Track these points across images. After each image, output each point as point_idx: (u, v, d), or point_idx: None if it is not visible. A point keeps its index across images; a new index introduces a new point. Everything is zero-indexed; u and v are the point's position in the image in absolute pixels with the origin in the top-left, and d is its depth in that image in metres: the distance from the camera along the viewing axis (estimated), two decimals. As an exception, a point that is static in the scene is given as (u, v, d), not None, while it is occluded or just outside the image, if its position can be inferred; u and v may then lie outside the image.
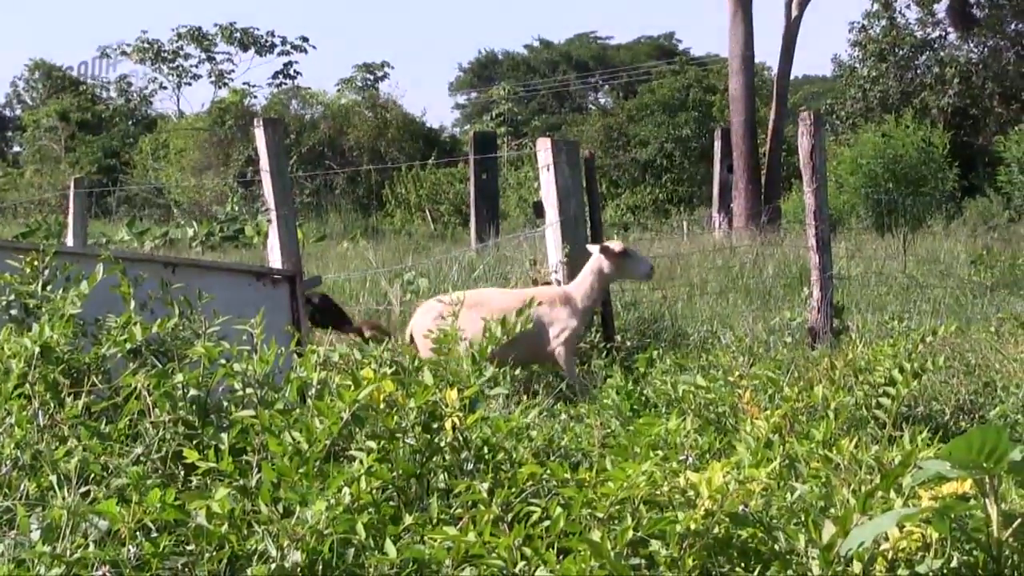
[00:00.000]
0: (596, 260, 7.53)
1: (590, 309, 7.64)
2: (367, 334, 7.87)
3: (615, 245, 7.60)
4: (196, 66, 48.80)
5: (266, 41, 47.54)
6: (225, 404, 3.58)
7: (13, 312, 4.17)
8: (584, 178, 8.80)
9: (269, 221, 8.54)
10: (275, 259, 8.35)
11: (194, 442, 3.39)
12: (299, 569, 2.85)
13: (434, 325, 6.96)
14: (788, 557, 2.88)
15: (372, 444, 3.26)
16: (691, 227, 23.74)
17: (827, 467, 3.29)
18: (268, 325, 3.80)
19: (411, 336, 7.28)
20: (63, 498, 3.01)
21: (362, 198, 34.54)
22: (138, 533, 2.91)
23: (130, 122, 47.16)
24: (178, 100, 50.73)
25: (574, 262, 8.19)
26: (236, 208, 26.58)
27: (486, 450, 3.42)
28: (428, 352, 7.23)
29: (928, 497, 2.87)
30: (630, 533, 2.83)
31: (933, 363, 4.92)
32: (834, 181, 22.17)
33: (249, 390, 3.57)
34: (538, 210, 8.89)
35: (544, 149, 8.52)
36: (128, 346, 3.78)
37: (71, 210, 14.22)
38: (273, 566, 2.83)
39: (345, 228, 26.44)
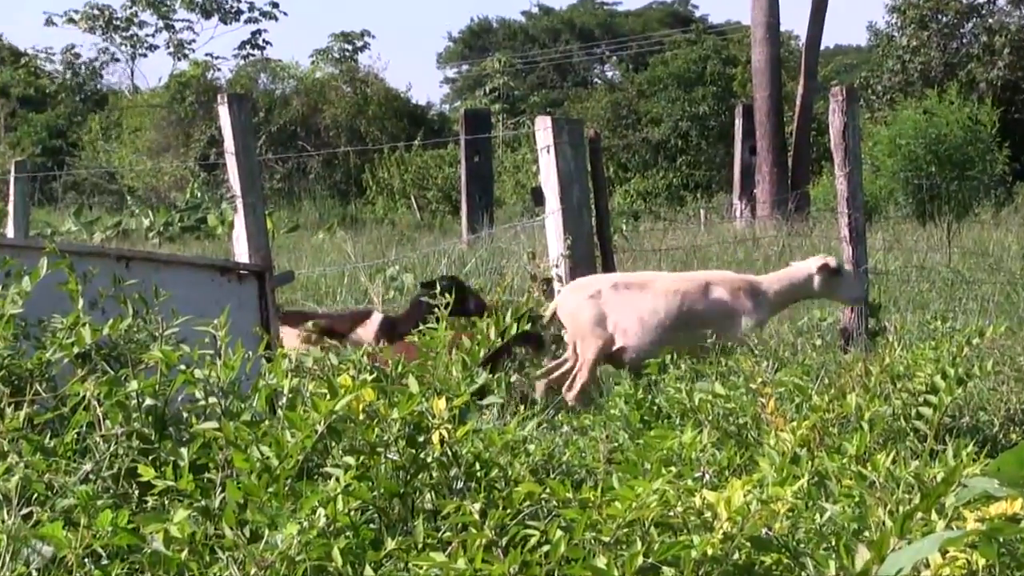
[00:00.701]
0: (806, 268, 7.65)
1: (775, 310, 7.78)
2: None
3: (832, 261, 7.69)
4: (152, 35, 48.82)
5: (231, 7, 47.55)
6: (185, 415, 3.58)
7: (-54, 312, 4.16)
8: (588, 161, 8.81)
9: (235, 209, 8.55)
10: (241, 252, 8.37)
11: (150, 458, 3.39)
12: (268, 600, 2.85)
13: (588, 304, 7.16)
14: (817, 586, 2.89)
15: (350, 460, 3.26)
16: (709, 216, 23.76)
17: (861, 485, 3.29)
18: (234, 326, 3.81)
19: (553, 314, 7.43)
20: (2, 521, 3.01)
21: (339, 183, 34.59)
22: (87, 560, 2.92)
23: (78, 98, 47.12)
24: (132, 73, 50.69)
25: (577, 255, 8.20)
26: (198, 195, 26.59)
27: (478, 466, 3.42)
28: (576, 334, 7.45)
29: (974, 519, 2.88)
30: (640, 559, 2.83)
31: (980, 368, 4.93)
32: (869, 164, 22.16)
33: (212, 399, 3.57)
34: (537, 197, 8.90)
35: (544, 128, 8.53)
36: (76, 350, 3.78)
37: (11, 197, 14.26)
38: (239, 597, 2.84)
39: (320, 217, 26.52)
